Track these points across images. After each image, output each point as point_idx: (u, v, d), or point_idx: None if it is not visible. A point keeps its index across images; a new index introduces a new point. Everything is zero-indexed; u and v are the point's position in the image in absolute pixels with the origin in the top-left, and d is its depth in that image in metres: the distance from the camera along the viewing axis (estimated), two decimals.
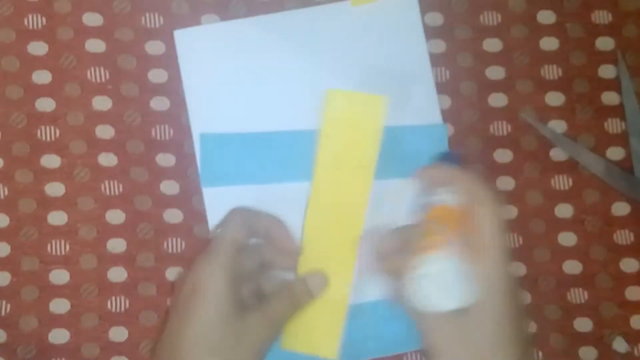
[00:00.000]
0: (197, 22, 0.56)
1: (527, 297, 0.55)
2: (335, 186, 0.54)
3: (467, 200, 0.46)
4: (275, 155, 0.55)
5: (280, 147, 0.55)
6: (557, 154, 0.57)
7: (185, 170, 0.55)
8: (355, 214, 0.54)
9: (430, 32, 0.57)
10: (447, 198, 0.47)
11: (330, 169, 0.54)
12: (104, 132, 0.55)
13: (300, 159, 0.54)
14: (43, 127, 0.55)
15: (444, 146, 0.55)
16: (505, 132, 0.57)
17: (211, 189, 0.55)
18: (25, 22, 0.55)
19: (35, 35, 0.55)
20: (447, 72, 0.57)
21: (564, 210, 0.56)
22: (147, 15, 0.56)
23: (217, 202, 0.54)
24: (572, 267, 0.56)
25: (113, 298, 0.54)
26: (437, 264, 0.44)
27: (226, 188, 0.54)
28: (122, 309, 0.54)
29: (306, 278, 0.51)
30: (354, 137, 0.53)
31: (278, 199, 0.54)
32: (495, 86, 0.57)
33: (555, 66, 0.57)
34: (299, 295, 0.50)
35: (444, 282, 0.43)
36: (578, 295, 0.56)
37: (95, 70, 0.55)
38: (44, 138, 0.55)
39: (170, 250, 0.55)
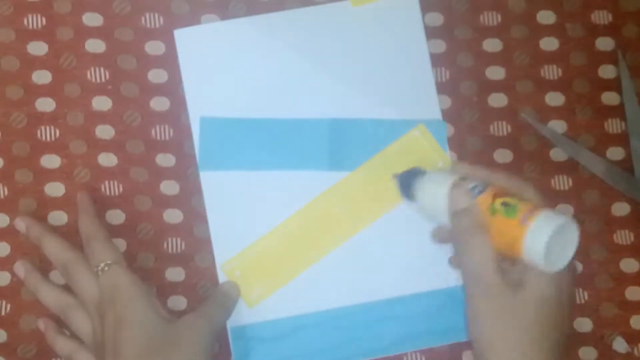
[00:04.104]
0: (197, 22, 0.56)
1: None
2: (361, 191, 0.55)
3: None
4: (274, 143, 0.55)
5: (279, 135, 0.55)
6: (557, 154, 0.57)
7: (185, 170, 0.55)
8: (354, 224, 0.55)
9: (430, 32, 0.57)
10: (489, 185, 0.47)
11: (368, 177, 0.55)
12: (104, 132, 0.55)
13: (298, 148, 0.55)
14: (43, 127, 0.55)
15: (443, 143, 0.56)
16: (505, 132, 0.57)
17: (208, 172, 0.55)
18: (25, 22, 0.55)
19: (35, 35, 0.55)
20: (447, 72, 0.57)
21: (564, 210, 0.56)
22: (147, 15, 0.56)
23: (214, 186, 0.55)
24: None
25: None
26: (554, 220, 0.43)
27: (223, 173, 0.55)
28: None
29: (222, 284, 0.54)
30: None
31: (274, 186, 0.55)
32: (495, 86, 0.57)
33: (555, 66, 0.57)
34: (219, 297, 0.53)
35: (562, 238, 0.43)
36: (578, 295, 0.56)
37: (95, 70, 0.55)
38: (44, 138, 0.55)
39: (170, 250, 0.55)
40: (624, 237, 0.56)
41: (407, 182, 0.51)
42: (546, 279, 0.44)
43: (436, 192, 0.48)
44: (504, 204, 0.45)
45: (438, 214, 0.48)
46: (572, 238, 0.44)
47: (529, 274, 0.44)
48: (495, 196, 0.45)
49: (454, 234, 0.47)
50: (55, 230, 0.54)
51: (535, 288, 0.44)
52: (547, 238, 0.42)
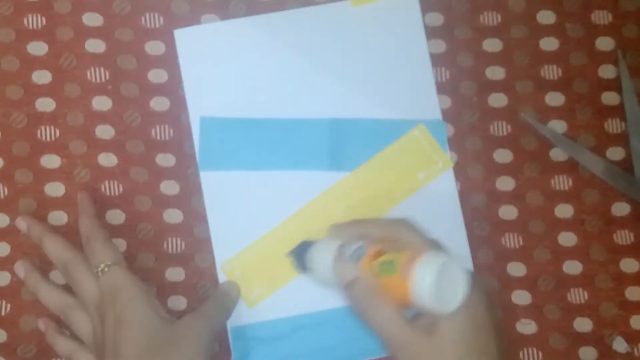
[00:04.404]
0: (197, 22, 0.56)
1: (527, 297, 0.55)
2: (361, 190, 0.55)
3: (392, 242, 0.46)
4: (274, 143, 0.55)
5: (279, 135, 0.55)
6: (557, 154, 0.57)
7: (185, 170, 0.55)
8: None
9: (430, 32, 0.57)
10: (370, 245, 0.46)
11: (367, 179, 0.55)
12: (104, 132, 0.55)
13: (298, 148, 0.55)
14: (43, 127, 0.55)
15: (443, 143, 0.56)
16: (505, 132, 0.57)
17: (208, 172, 0.55)
18: (25, 22, 0.55)
19: (35, 35, 0.55)
20: (447, 72, 0.57)
21: (564, 210, 0.56)
22: (147, 15, 0.56)
23: (214, 186, 0.55)
24: (572, 267, 0.56)
25: None
26: (432, 264, 0.41)
27: (223, 173, 0.55)
28: None
29: (222, 284, 0.54)
30: (404, 174, 0.55)
31: (274, 186, 0.55)
32: (495, 86, 0.57)
33: (555, 66, 0.57)
34: (219, 297, 0.53)
35: (447, 277, 0.41)
36: (578, 295, 0.56)
37: (95, 70, 0.55)
38: (44, 138, 0.55)
39: (170, 250, 0.55)
40: (624, 237, 0.56)
41: (300, 256, 0.50)
42: (456, 316, 0.42)
43: (324, 265, 0.47)
44: (383, 264, 0.43)
45: (333, 285, 0.47)
46: (459, 271, 0.42)
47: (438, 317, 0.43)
48: (374, 256, 0.44)
49: (351, 305, 0.46)
50: (55, 230, 0.54)
51: (448, 329, 0.42)
52: (430, 286, 0.40)
